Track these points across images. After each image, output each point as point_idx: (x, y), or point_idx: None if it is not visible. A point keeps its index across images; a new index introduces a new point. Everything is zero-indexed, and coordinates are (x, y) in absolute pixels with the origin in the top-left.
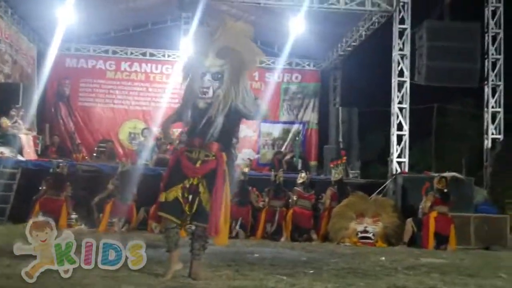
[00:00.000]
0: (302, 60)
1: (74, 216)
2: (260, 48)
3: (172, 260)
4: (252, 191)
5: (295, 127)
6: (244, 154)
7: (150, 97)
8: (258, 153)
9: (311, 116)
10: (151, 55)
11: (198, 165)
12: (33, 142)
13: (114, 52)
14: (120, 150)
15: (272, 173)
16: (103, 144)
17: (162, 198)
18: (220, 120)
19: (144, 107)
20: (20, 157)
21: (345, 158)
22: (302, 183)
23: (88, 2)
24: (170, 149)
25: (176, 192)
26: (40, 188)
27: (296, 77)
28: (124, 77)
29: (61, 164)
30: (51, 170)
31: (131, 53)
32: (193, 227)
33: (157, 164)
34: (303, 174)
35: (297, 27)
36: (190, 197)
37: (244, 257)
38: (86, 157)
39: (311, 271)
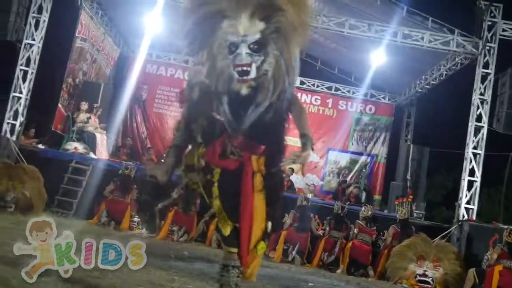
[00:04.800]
0: (377, 92)
1: (136, 219)
2: (337, 76)
3: None
4: (313, 218)
5: (363, 158)
6: (308, 179)
7: None
8: (322, 180)
9: (380, 149)
10: None
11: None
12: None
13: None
14: None
15: (337, 203)
16: None
17: None
18: (266, 108)
19: None
20: (92, 155)
21: (411, 197)
22: (365, 218)
23: (175, 11)
24: None
25: None
26: (106, 188)
27: (370, 109)
28: None
29: (129, 167)
30: (119, 172)
31: None
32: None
33: None
34: (367, 208)
35: (377, 59)
36: None
37: (299, 284)
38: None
39: None
